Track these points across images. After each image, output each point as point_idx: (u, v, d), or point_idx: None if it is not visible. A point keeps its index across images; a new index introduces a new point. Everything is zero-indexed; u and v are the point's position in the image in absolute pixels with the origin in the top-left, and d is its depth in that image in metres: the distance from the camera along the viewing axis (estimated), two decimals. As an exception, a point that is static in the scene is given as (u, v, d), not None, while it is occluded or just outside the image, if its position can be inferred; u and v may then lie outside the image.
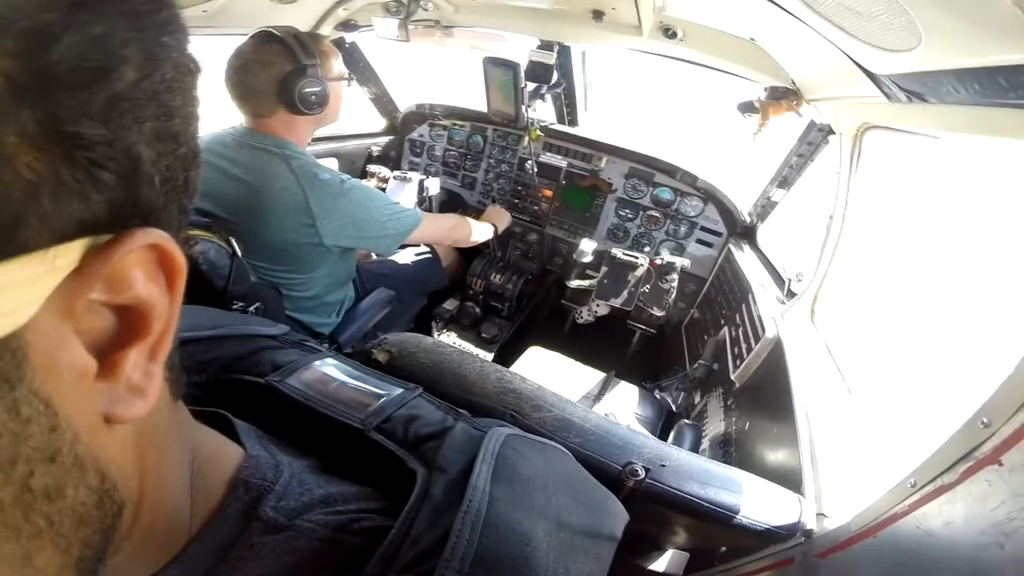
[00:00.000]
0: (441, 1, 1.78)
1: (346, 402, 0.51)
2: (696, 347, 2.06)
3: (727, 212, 2.16)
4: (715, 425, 1.55)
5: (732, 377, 1.55)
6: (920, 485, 0.64)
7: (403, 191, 2.15)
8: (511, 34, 1.91)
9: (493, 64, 1.92)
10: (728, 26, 1.43)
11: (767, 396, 1.32)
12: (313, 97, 1.40)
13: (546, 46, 1.84)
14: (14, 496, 0.21)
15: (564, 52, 1.92)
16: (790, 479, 0.97)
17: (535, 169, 2.37)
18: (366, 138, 2.64)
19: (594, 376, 1.91)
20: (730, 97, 1.59)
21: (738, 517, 0.80)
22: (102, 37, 0.22)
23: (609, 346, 2.37)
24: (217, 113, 1.41)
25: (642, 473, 0.80)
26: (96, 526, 0.26)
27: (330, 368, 0.57)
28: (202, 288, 1.30)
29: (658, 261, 2.02)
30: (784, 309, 1.50)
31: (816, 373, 1.21)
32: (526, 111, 2.00)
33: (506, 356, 2.27)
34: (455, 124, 2.62)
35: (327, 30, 2.01)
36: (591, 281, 2.11)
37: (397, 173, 2.20)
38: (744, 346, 1.56)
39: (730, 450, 1.39)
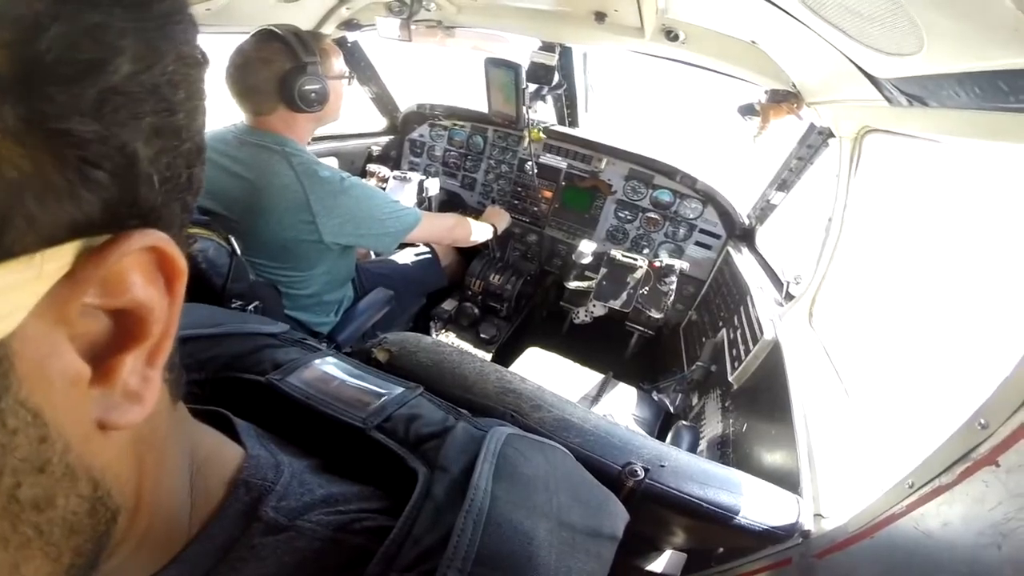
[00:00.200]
0: (443, 1, 1.78)
1: (347, 401, 0.51)
2: (694, 349, 2.06)
3: (726, 214, 2.16)
4: (713, 427, 1.55)
5: (730, 379, 1.55)
6: (918, 486, 0.64)
7: (403, 191, 2.15)
8: (513, 35, 1.91)
9: (494, 65, 1.92)
10: (729, 28, 1.43)
11: (765, 398, 1.32)
12: (313, 95, 1.40)
13: (548, 47, 1.85)
14: (0, 507, 0.21)
15: (566, 53, 1.92)
16: (788, 480, 0.97)
17: (535, 170, 2.37)
18: (366, 137, 2.64)
19: (592, 377, 1.91)
20: (731, 100, 1.59)
21: (736, 518, 0.80)
22: (95, 27, 0.20)
23: (607, 347, 2.37)
24: (220, 111, 1.42)
25: (641, 473, 0.80)
26: (88, 534, 0.26)
27: (331, 367, 0.57)
28: (201, 286, 1.30)
29: (657, 263, 2.02)
30: (782, 311, 1.50)
31: (814, 375, 1.21)
32: (527, 112, 2.00)
33: (504, 357, 2.27)
34: (455, 124, 2.62)
35: (330, 29, 2.01)
36: (590, 282, 2.12)
37: (397, 173, 2.21)
38: (742, 348, 1.56)
39: (728, 451, 1.39)
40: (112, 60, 0.21)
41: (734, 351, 1.63)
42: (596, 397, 1.83)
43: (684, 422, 1.59)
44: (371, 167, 2.37)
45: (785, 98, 1.46)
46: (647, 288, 2.02)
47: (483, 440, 0.46)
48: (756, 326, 1.51)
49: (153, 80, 0.23)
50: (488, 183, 2.63)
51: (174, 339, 0.29)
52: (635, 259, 2.04)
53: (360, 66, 2.41)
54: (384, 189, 2.15)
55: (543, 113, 2.17)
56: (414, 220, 1.62)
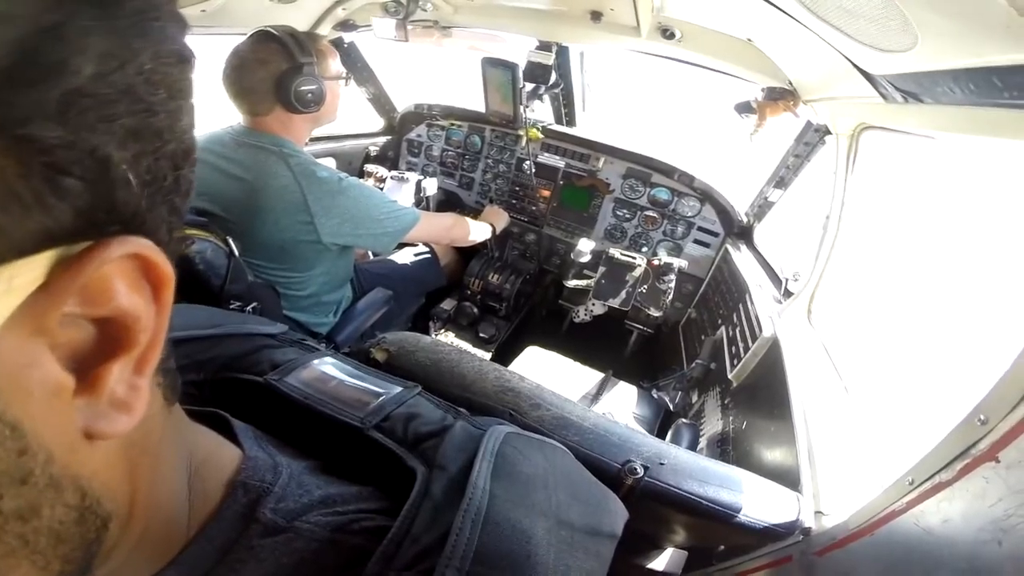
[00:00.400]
0: (440, 1, 1.78)
1: (345, 400, 0.51)
2: (693, 347, 2.06)
3: (724, 212, 2.16)
4: (712, 424, 1.55)
5: (729, 376, 1.55)
6: (918, 483, 0.64)
7: (400, 191, 2.15)
8: (509, 35, 1.91)
9: (491, 64, 1.92)
10: (725, 27, 1.43)
11: (764, 395, 1.32)
12: (309, 95, 1.40)
13: (544, 47, 1.84)
14: None
15: (562, 53, 1.92)
16: (788, 477, 0.97)
17: (533, 169, 2.37)
18: (364, 138, 2.63)
19: (592, 376, 1.91)
20: (727, 98, 1.59)
21: (736, 515, 0.80)
22: (55, 27, 0.19)
23: (607, 346, 2.37)
24: (219, 112, 1.42)
25: (641, 471, 0.80)
26: (77, 542, 0.25)
27: (329, 367, 0.57)
28: (199, 287, 1.30)
29: (656, 261, 2.02)
30: (781, 309, 1.50)
31: (813, 372, 1.21)
32: (524, 111, 2.00)
33: (504, 356, 2.27)
34: (453, 124, 2.62)
35: (326, 30, 2.01)
36: (588, 281, 2.12)
37: (394, 173, 2.20)
38: (741, 345, 1.56)
39: (728, 449, 1.39)
40: (74, 61, 0.20)
41: (733, 348, 1.63)
42: (596, 396, 1.83)
43: (684, 420, 1.59)
44: (368, 167, 2.37)
45: (781, 96, 1.46)
46: (646, 286, 2.02)
47: (481, 439, 0.46)
48: (755, 323, 1.51)
49: (126, 80, 0.22)
50: (486, 183, 2.63)
51: (164, 346, 0.28)
52: (634, 257, 2.04)
53: (357, 67, 2.41)
54: (382, 189, 2.15)
55: (540, 112, 2.17)
56: (412, 220, 1.62)
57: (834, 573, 0.77)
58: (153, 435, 0.31)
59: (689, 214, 2.23)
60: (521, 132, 2.19)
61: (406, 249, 2.24)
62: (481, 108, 2.16)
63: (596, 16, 1.57)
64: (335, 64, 1.52)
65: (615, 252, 2.08)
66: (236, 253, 1.36)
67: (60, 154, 0.20)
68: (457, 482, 0.41)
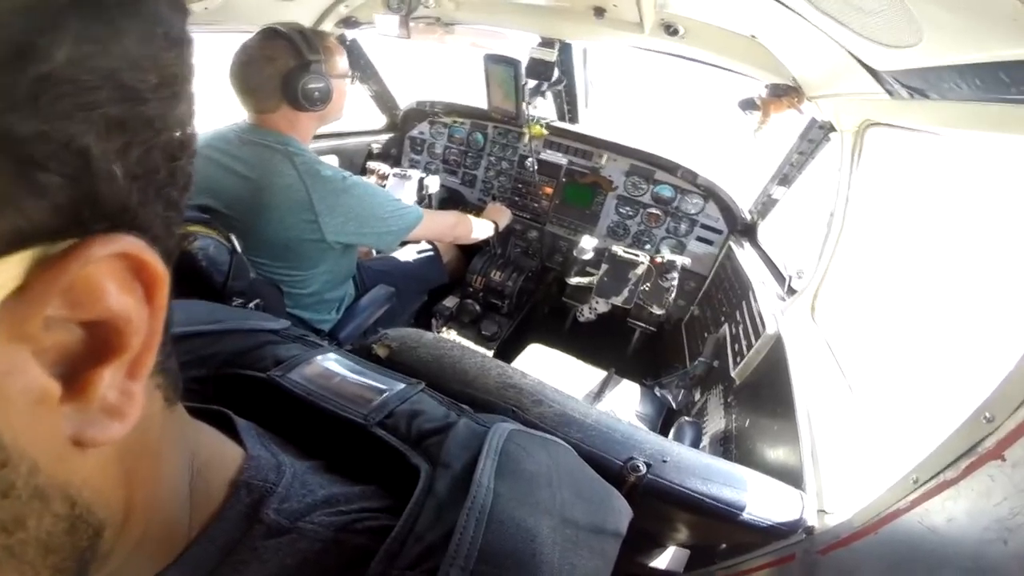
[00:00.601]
0: (442, -3, 1.78)
1: (348, 397, 0.51)
2: (696, 344, 2.06)
3: (727, 209, 2.15)
4: (715, 422, 1.55)
5: (732, 374, 1.55)
6: (922, 481, 0.63)
7: (403, 188, 2.15)
8: (512, 31, 1.91)
9: (494, 61, 1.92)
10: (729, 23, 1.43)
11: (768, 393, 1.32)
12: (316, 93, 1.40)
13: (547, 43, 1.84)
14: None
15: (565, 49, 1.92)
16: (791, 475, 0.97)
17: (535, 166, 2.37)
18: (367, 135, 2.63)
19: (594, 374, 1.91)
20: (731, 94, 1.59)
21: (739, 514, 0.80)
22: (24, 7, 0.18)
23: (609, 344, 2.37)
24: (221, 110, 1.42)
25: (643, 468, 0.79)
26: (68, 551, 0.24)
27: (332, 363, 0.57)
28: (202, 284, 1.30)
29: (659, 259, 2.01)
30: (785, 306, 1.50)
31: (817, 369, 1.20)
32: (527, 108, 1.99)
33: (506, 353, 2.26)
34: (455, 121, 2.61)
35: (328, 27, 2.00)
36: (591, 278, 2.11)
37: (397, 170, 2.20)
38: (744, 343, 1.56)
39: (731, 447, 1.39)
40: (46, 43, 0.18)
41: (736, 346, 1.63)
42: (598, 393, 1.82)
43: (687, 418, 1.59)
44: (371, 164, 2.37)
45: (785, 92, 1.45)
46: (648, 284, 2.02)
47: (485, 436, 0.46)
48: (758, 321, 1.50)
49: (109, 65, 0.20)
50: (489, 180, 2.63)
51: (163, 346, 0.27)
52: (637, 255, 2.04)
53: (359, 64, 2.41)
54: (384, 187, 2.15)
55: (543, 109, 2.17)
56: (416, 218, 1.62)
57: (837, 572, 0.77)
58: (152, 438, 0.31)
59: (692, 211, 2.22)
60: (524, 129, 2.19)
61: (409, 246, 2.23)
62: (484, 105, 2.15)
63: (599, 12, 1.56)
64: (342, 62, 1.52)
65: (618, 249, 2.07)
66: (238, 250, 1.36)
67: (33, 147, 0.18)
68: (461, 480, 0.41)
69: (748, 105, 1.55)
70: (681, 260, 2.00)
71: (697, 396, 1.82)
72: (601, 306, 2.10)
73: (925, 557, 0.62)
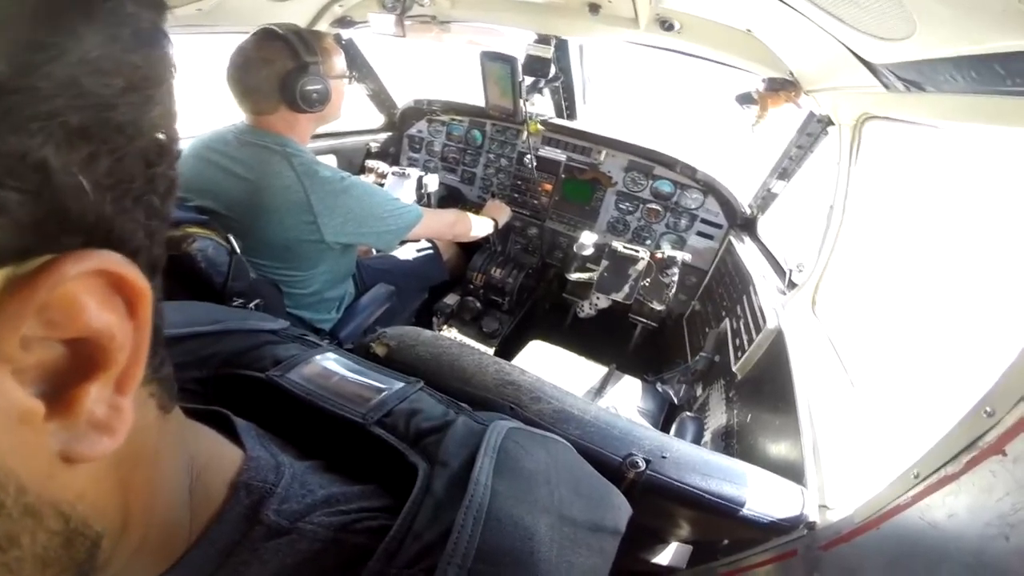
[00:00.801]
0: (437, -5, 1.78)
1: (347, 396, 0.51)
2: (697, 339, 2.06)
3: (727, 204, 2.15)
4: (717, 417, 1.55)
5: (734, 369, 1.55)
6: (923, 476, 0.63)
7: (401, 187, 2.15)
8: (508, 28, 1.90)
9: (490, 59, 1.91)
10: (724, 17, 1.42)
11: (769, 387, 1.32)
12: (315, 95, 1.40)
13: (543, 40, 1.83)
14: None
15: (561, 46, 1.92)
16: (792, 471, 0.97)
17: (534, 163, 2.36)
18: (365, 135, 2.63)
19: (596, 370, 1.91)
20: (729, 89, 1.58)
21: (740, 509, 0.80)
22: None
23: (610, 339, 2.37)
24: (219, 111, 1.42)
25: (642, 465, 0.79)
26: (65, 564, 0.24)
27: (331, 362, 0.57)
28: (202, 285, 1.30)
29: (659, 255, 2.01)
30: (785, 300, 1.49)
31: (818, 364, 1.20)
32: (524, 105, 1.99)
33: (507, 350, 2.27)
34: (453, 119, 2.61)
35: (323, 27, 2.00)
36: (591, 274, 2.11)
37: (395, 169, 2.20)
38: (745, 338, 1.56)
39: (732, 442, 1.39)
40: None
41: (737, 341, 1.63)
42: (600, 390, 1.82)
43: (688, 413, 1.58)
44: (369, 163, 2.37)
45: (783, 86, 1.45)
46: (649, 280, 2.02)
47: (484, 434, 0.46)
48: (759, 315, 1.50)
49: (66, 71, 0.19)
50: (488, 177, 2.62)
51: (156, 355, 0.27)
52: (637, 251, 2.04)
53: (356, 63, 2.41)
54: (383, 185, 2.15)
55: (541, 106, 2.17)
56: (415, 217, 1.62)
57: (839, 567, 0.77)
58: (148, 446, 0.30)
59: (692, 206, 2.22)
60: (522, 126, 2.19)
61: (408, 245, 2.23)
62: (481, 102, 2.15)
63: (594, 8, 1.56)
64: (339, 62, 1.51)
65: (618, 245, 2.07)
66: (237, 251, 1.36)
67: None
68: (459, 478, 0.41)
69: (746, 99, 1.55)
70: (681, 256, 2.00)
71: (699, 391, 1.82)
72: (602, 302, 2.11)
73: (926, 552, 0.62)
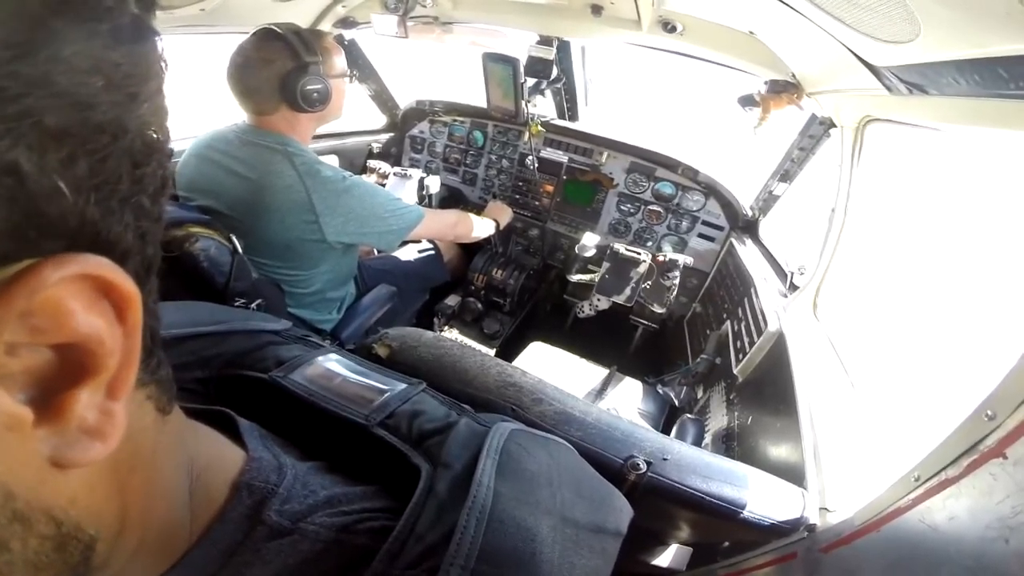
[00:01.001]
0: (439, -3, 1.78)
1: (350, 397, 0.51)
2: (698, 341, 2.06)
3: (729, 206, 2.15)
4: (718, 420, 1.55)
5: (735, 371, 1.55)
6: (924, 479, 0.63)
7: (403, 188, 2.15)
8: (510, 30, 1.90)
9: (492, 60, 1.92)
10: (727, 19, 1.42)
11: (770, 390, 1.32)
12: (315, 94, 1.40)
13: (545, 41, 1.83)
14: None
15: (563, 47, 1.91)
16: (793, 473, 0.97)
17: (536, 164, 2.36)
18: (366, 135, 2.63)
19: (596, 371, 1.91)
20: (731, 91, 1.58)
21: (741, 512, 0.80)
22: None
23: (611, 341, 2.37)
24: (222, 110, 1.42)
25: (644, 467, 0.79)
26: (58, 568, 0.24)
27: (333, 363, 0.57)
28: (204, 285, 1.31)
29: (660, 257, 2.01)
30: (786, 302, 1.49)
31: (819, 366, 1.20)
32: (526, 106, 1.99)
33: (508, 352, 2.26)
34: (455, 120, 2.61)
35: (326, 27, 2.00)
36: (592, 276, 2.11)
37: (397, 169, 2.20)
38: (746, 340, 1.56)
39: (733, 444, 1.39)
40: None
41: (738, 343, 1.63)
42: (600, 391, 1.82)
43: (689, 415, 1.58)
44: (371, 163, 2.37)
45: (785, 88, 1.45)
46: (650, 282, 2.01)
47: (486, 436, 0.46)
48: (760, 318, 1.50)
49: (36, 70, 0.18)
50: (489, 178, 2.62)
51: (152, 358, 0.27)
52: (638, 253, 2.03)
53: (358, 64, 2.41)
54: (384, 186, 2.15)
55: (542, 107, 2.17)
56: (416, 217, 1.62)
57: (839, 570, 0.77)
58: (145, 449, 0.30)
59: (693, 208, 2.22)
60: (523, 127, 2.19)
61: (410, 245, 2.23)
62: (483, 104, 2.15)
63: (597, 10, 1.56)
64: (340, 61, 1.52)
65: (619, 247, 2.07)
66: (240, 251, 1.36)
67: None
68: (462, 480, 0.41)
69: (748, 101, 1.55)
70: (683, 259, 1.99)
71: (699, 393, 1.82)
72: (602, 303, 2.10)
73: (926, 555, 0.62)
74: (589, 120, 2.39)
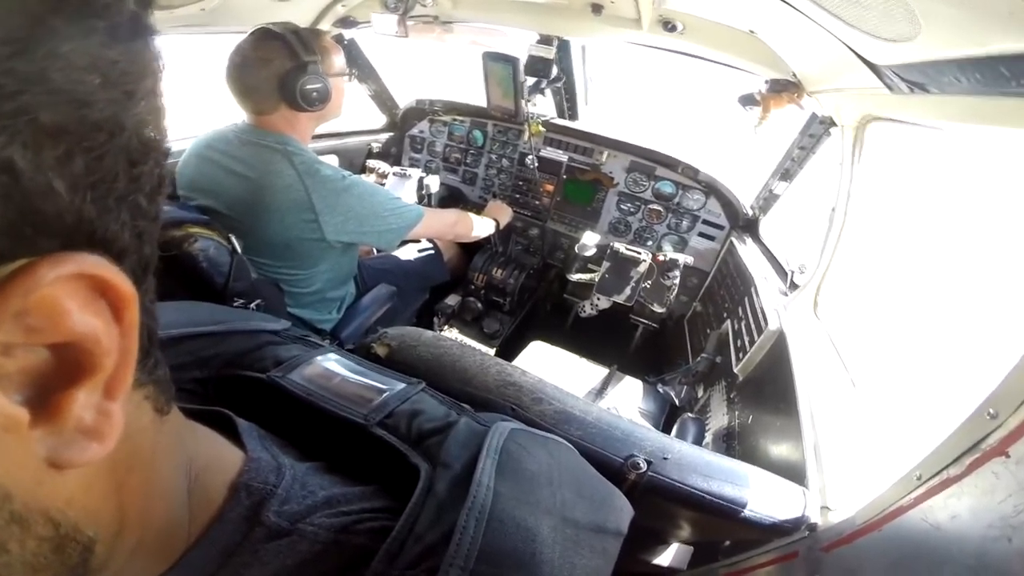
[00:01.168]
0: (439, -4, 1.78)
1: (348, 397, 0.51)
2: (699, 340, 2.06)
3: (729, 205, 2.15)
4: (718, 419, 1.55)
5: (735, 370, 1.55)
6: (926, 478, 0.63)
7: (402, 187, 2.15)
8: (510, 29, 1.90)
9: (492, 59, 1.91)
10: (727, 18, 1.42)
11: (770, 389, 1.31)
12: (315, 94, 1.39)
13: (545, 40, 1.83)
14: None
15: (564, 46, 1.91)
16: (794, 472, 0.97)
17: (536, 164, 2.36)
18: (366, 135, 2.63)
19: (596, 371, 1.90)
20: (731, 90, 1.58)
21: (741, 511, 0.80)
22: None
23: (611, 340, 2.37)
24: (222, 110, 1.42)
25: (644, 466, 0.79)
26: (57, 569, 0.24)
27: (332, 363, 0.57)
28: (203, 285, 1.30)
29: (661, 257, 2.00)
30: (787, 301, 1.49)
31: (819, 365, 1.20)
32: (526, 106, 1.99)
33: (508, 351, 2.26)
34: (455, 119, 2.61)
35: (325, 27, 2.00)
36: (592, 275, 2.11)
37: (396, 169, 2.20)
38: (747, 339, 1.56)
39: (733, 443, 1.39)
40: None
41: (739, 342, 1.63)
42: (601, 391, 1.82)
43: (689, 414, 1.58)
44: (370, 163, 2.37)
45: (785, 87, 1.45)
46: (650, 282, 2.01)
47: (486, 435, 0.46)
48: (761, 317, 1.50)
49: (32, 67, 0.18)
50: (489, 177, 2.62)
51: (150, 358, 0.27)
52: (639, 252, 2.03)
53: (358, 63, 2.41)
54: (383, 185, 2.15)
55: (542, 106, 2.16)
56: (416, 217, 1.62)
57: (840, 569, 0.77)
58: (144, 449, 0.30)
59: (694, 207, 2.22)
60: (523, 127, 2.18)
61: (409, 245, 2.23)
62: (483, 103, 2.15)
63: (596, 9, 1.56)
64: (339, 60, 1.51)
65: (620, 247, 2.07)
66: (239, 251, 1.36)
67: None
68: (461, 479, 0.41)
69: (748, 101, 1.55)
70: (684, 259, 1.99)
71: (700, 392, 1.82)
72: (603, 302, 2.10)
73: (928, 554, 0.62)
74: (589, 119, 2.39)
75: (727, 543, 1.02)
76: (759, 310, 1.54)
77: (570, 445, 0.53)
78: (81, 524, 0.25)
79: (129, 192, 0.23)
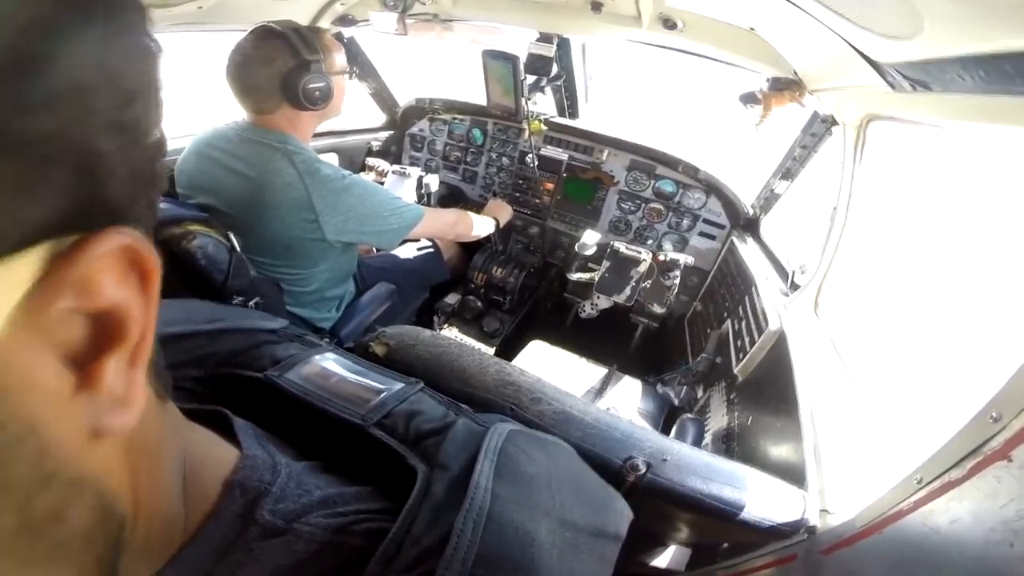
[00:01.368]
0: (438, -6, 1.77)
1: (346, 397, 0.51)
2: (699, 340, 2.05)
3: (730, 204, 2.14)
4: (718, 419, 1.54)
5: (735, 371, 1.54)
6: (926, 481, 0.63)
7: (402, 186, 2.15)
8: (510, 27, 1.90)
9: (492, 57, 1.91)
10: (727, 15, 1.42)
11: (770, 390, 1.31)
12: (317, 92, 1.39)
13: (545, 38, 1.83)
14: (17, 524, 0.21)
15: (564, 44, 1.91)
16: (793, 474, 0.96)
17: (536, 162, 2.36)
18: (366, 133, 2.63)
19: (596, 370, 1.90)
20: (732, 88, 1.58)
21: (740, 513, 0.79)
22: (39, 22, 0.19)
23: (611, 340, 2.37)
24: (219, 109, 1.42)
25: (643, 468, 0.79)
26: (104, 542, 0.26)
27: (330, 362, 0.57)
28: (201, 283, 1.30)
29: (661, 257, 2.00)
30: (788, 301, 1.49)
31: (820, 366, 1.20)
32: (526, 104, 1.98)
33: (508, 350, 2.26)
34: (455, 118, 2.61)
35: (324, 25, 1.99)
36: (592, 274, 2.11)
37: (396, 167, 2.20)
38: (747, 339, 1.55)
39: (733, 445, 1.38)
40: (50, 49, 0.19)
41: (739, 342, 1.62)
42: (600, 390, 1.82)
43: (689, 415, 1.58)
44: (370, 161, 2.36)
45: (787, 86, 1.44)
46: (650, 282, 2.01)
47: (484, 436, 0.46)
48: (761, 317, 1.50)
49: (108, 71, 0.22)
50: (489, 176, 2.62)
51: (154, 339, 0.28)
52: (639, 252, 2.03)
53: (357, 62, 2.40)
54: (382, 183, 2.14)
55: (543, 105, 2.16)
56: (416, 216, 1.61)
57: (840, 572, 0.76)
58: (150, 434, 0.31)
59: (694, 206, 2.22)
60: (523, 125, 2.18)
61: (409, 243, 2.22)
62: (483, 101, 2.14)
63: (596, 7, 1.55)
64: (340, 59, 1.51)
65: (620, 246, 2.06)
66: (237, 248, 1.36)
67: (49, 147, 0.19)
68: (459, 481, 0.41)
69: (749, 99, 1.54)
70: (684, 259, 1.99)
71: (699, 393, 1.82)
72: (603, 302, 2.10)
73: (929, 559, 0.61)
74: (589, 118, 2.38)
75: (726, 545, 1.01)
76: (760, 310, 1.53)
77: (569, 447, 0.53)
78: (116, 499, 0.27)
79: (147, 185, 0.26)
